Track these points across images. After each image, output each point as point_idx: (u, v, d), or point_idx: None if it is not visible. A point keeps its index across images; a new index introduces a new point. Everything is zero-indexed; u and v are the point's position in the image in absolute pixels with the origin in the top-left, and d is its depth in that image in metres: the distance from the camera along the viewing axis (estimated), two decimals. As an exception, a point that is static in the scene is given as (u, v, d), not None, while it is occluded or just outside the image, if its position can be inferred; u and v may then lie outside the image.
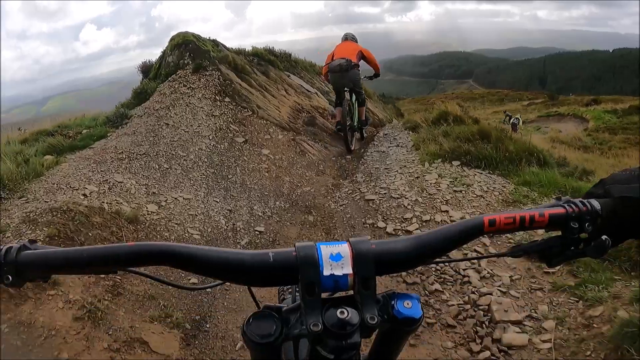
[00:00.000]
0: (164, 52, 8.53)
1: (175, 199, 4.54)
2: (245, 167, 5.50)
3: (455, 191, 4.74)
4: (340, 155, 7.07)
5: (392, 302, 0.58)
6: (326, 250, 0.57)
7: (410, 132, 7.83)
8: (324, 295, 0.56)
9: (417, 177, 5.17)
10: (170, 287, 3.10)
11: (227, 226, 4.24)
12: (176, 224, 4.10)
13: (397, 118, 13.98)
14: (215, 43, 8.82)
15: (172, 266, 0.58)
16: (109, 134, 6.15)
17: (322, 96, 10.01)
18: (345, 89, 6.54)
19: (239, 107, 6.84)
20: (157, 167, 5.17)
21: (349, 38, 6.96)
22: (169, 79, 7.64)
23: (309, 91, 9.64)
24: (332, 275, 0.55)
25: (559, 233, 0.65)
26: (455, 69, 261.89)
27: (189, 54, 7.98)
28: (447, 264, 3.37)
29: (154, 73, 8.52)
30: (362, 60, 6.72)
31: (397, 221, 4.20)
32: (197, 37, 8.44)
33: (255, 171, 5.43)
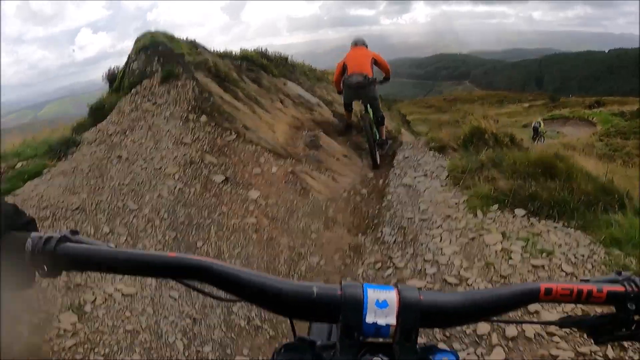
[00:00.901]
0: (129, 57, 6.82)
1: (110, 295, 2.83)
2: (224, 224, 3.79)
3: (534, 266, 3.19)
4: (353, 189, 5.45)
5: (430, 357, 0.55)
6: (373, 294, 0.54)
7: (437, 154, 6.27)
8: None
9: (473, 239, 3.57)
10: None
11: (186, 355, 2.53)
12: (101, 356, 2.40)
13: (402, 126, 12.41)
14: (193, 44, 7.11)
15: (210, 284, 0.56)
16: (45, 170, 4.50)
17: (325, 107, 8.35)
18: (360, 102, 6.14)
19: (220, 128, 5.16)
20: (92, 231, 3.48)
21: (358, 44, 6.35)
22: (132, 91, 5.97)
23: (309, 102, 7.96)
24: (374, 323, 0.53)
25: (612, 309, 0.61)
26: (451, 71, 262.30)
27: (158, 58, 6.29)
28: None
29: (117, 83, 6.82)
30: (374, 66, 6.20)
31: (465, 337, 2.53)
32: (170, 38, 6.73)
33: (238, 231, 3.73)
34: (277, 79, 7.76)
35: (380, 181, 5.72)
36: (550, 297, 0.58)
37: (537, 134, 19.75)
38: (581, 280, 0.60)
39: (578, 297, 0.58)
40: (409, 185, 5.24)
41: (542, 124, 21.05)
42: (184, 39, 7.23)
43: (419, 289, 0.55)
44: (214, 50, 7.51)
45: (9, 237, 0.58)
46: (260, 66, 7.57)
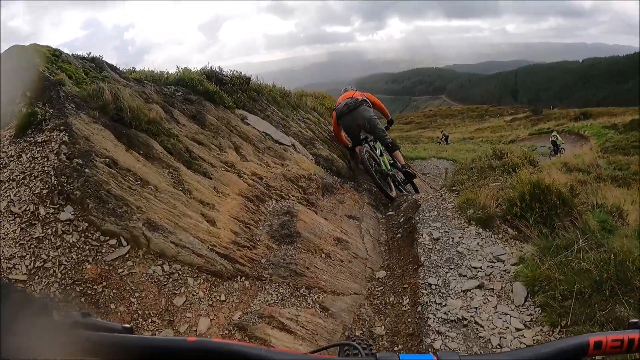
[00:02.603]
0: (-13, 89, 4.20)
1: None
2: None
3: None
4: (358, 320, 3.13)
5: None
6: None
7: (482, 232, 3.95)
8: None
9: None
10: None
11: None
12: None
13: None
14: (95, 64, 4.47)
15: None
16: None
17: (303, 148, 5.84)
18: (364, 134, 5.81)
19: (97, 233, 2.58)
20: None
21: (348, 89, 6.52)
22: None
23: (280, 143, 5.44)
24: None
25: None
26: (427, 85, 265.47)
27: (24, 92, 3.71)
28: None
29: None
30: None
31: None
32: (47, 55, 4.06)
33: None
34: (231, 112, 5.22)
35: (405, 299, 3.26)
36: (600, 351, 0.53)
37: (556, 146, 19.79)
38: (629, 324, 0.57)
39: (629, 347, 0.54)
40: (464, 320, 2.83)
41: (559, 137, 20.94)
42: (86, 55, 4.61)
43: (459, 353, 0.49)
44: (128, 72, 4.93)
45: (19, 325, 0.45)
46: (204, 94, 5.03)
